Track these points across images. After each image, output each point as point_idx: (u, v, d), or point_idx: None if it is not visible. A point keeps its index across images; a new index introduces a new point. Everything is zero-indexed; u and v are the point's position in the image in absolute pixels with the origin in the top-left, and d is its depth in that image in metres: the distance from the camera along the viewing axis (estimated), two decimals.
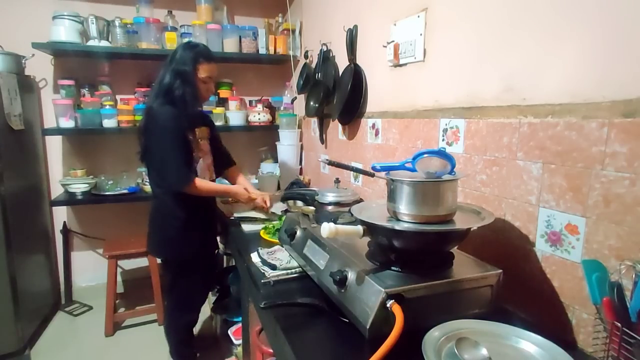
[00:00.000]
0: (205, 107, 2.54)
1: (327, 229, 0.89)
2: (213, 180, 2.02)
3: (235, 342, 2.06)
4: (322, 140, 2.37)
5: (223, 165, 2.10)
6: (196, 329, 2.42)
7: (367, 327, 0.83)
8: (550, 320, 0.97)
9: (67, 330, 2.59)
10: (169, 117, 1.70)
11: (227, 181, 2.20)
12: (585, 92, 0.87)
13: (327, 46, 2.15)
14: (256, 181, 2.72)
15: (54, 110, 2.55)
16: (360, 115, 1.89)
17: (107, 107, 2.61)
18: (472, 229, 0.95)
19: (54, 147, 2.79)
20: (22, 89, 2.36)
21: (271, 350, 1.36)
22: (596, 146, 0.84)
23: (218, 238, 2.34)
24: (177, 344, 2.05)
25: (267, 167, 2.93)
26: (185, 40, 2.64)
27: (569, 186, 0.91)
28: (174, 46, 2.61)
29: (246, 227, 1.80)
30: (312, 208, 1.40)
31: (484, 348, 0.73)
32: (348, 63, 1.91)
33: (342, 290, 0.95)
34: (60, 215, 2.87)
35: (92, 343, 2.42)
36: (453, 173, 0.96)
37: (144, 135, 1.78)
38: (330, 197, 1.36)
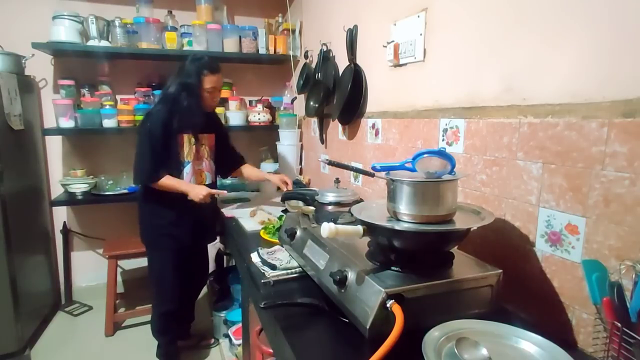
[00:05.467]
0: None
1: (327, 229, 0.89)
2: (211, 184, 2.04)
3: (235, 342, 2.06)
4: (322, 140, 2.36)
5: (229, 165, 2.20)
6: (196, 329, 2.43)
7: (367, 327, 0.83)
8: (550, 320, 0.97)
9: (67, 330, 2.59)
10: (157, 121, 1.83)
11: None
12: (586, 92, 0.87)
13: (327, 46, 2.15)
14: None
15: (54, 110, 2.55)
16: (360, 115, 1.89)
17: (107, 107, 2.61)
18: (472, 229, 0.95)
19: (54, 147, 2.79)
20: (22, 89, 2.35)
21: (271, 350, 1.36)
22: (596, 146, 0.84)
23: (218, 238, 2.34)
24: (155, 332, 2.15)
25: (267, 167, 2.93)
26: (186, 40, 2.66)
27: (569, 186, 0.91)
28: (174, 46, 2.62)
29: (245, 224, 1.80)
30: (312, 208, 1.40)
31: (484, 348, 0.73)
32: (348, 63, 1.91)
33: (342, 290, 0.95)
34: (60, 215, 2.87)
35: (92, 343, 2.42)
36: (453, 173, 0.96)
37: (137, 134, 1.92)
38: (330, 197, 1.36)
